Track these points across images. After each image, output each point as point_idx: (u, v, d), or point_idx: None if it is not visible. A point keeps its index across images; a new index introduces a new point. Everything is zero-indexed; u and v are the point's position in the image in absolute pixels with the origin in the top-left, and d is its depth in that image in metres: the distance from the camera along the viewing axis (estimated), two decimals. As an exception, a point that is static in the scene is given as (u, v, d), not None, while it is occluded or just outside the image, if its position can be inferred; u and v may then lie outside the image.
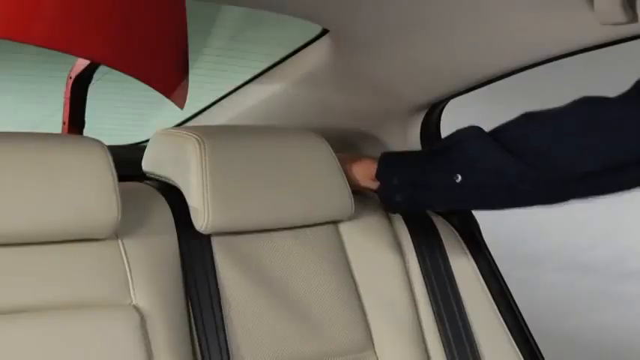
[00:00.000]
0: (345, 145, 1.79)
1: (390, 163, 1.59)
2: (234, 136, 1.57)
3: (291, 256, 1.55)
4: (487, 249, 1.76)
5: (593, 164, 1.40)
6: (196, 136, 1.49)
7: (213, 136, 1.52)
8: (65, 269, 1.34)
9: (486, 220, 1.77)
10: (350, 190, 1.60)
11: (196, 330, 1.44)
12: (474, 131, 1.50)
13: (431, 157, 1.57)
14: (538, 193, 1.46)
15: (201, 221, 1.46)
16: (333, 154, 1.60)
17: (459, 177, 1.49)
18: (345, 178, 1.60)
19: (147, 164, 1.62)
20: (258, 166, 1.53)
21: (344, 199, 1.59)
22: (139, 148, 1.74)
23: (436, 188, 1.55)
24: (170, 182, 1.55)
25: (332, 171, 1.59)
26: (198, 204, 1.46)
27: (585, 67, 2.26)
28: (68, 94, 1.96)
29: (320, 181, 1.57)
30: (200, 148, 1.47)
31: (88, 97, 1.98)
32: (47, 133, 1.41)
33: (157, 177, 1.59)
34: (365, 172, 1.62)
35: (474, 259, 1.71)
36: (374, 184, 1.61)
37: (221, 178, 1.48)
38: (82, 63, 1.92)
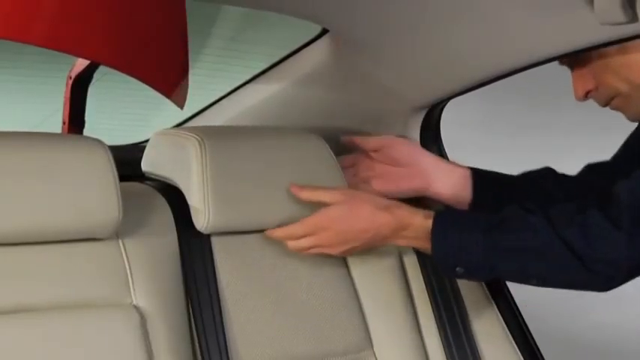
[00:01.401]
0: (345, 146, 1.78)
1: (452, 251, 1.47)
2: (234, 136, 1.57)
3: (291, 256, 1.55)
4: (487, 249, 1.75)
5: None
6: (197, 137, 1.49)
7: (214, 136, 1.52)
8: (65, 269, 1.34)
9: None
10: (347, 186, 1.60)
11: (196, 330, 1.44)
12: (541, 221, 1.43)
13: (499, 253, 1.46)
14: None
15: (202, 221, 1.47)
16: (333, 156, 1.60)
17: (535, 282, 1.47)
18: (344, 179, 1.60)
19: (146, 164, 1.63)
20: (258, 167, 1.53)
21: None
22: (139, 148, 1.74)
23: (509, 278, 1.57)
24: (170, 182, 1.55)
25: (331, 172, 1.59)
26: (199, 204, 1.46)
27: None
28: (68, 94, 1.96)
29: (319, 182, 1.57)
30: (201, 149, 1.47)
31: (88, 97, 1.98)
32: (47, 133, 1.41)
33: (156, 177, 1.59)
34: (415, 241, 1.52)
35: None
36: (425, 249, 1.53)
37: (221, 178, 1.48)
38: (82, 63, 1.92)
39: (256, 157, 1.54)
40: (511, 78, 1.59)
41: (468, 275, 1.51)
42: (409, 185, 1.66)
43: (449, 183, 1.65)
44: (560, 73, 1.58)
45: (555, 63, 1.53)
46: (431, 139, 1.79)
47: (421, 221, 1.48)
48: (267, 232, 1.52)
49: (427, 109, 1.75)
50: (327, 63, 1.72)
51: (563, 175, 1.67)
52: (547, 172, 1.67)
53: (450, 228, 1.47)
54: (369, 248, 1.56)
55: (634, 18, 1.24)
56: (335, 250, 1.52)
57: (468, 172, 1.65)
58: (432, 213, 1.49)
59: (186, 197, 1.49)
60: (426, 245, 1.49)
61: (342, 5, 1.54)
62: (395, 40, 1.58)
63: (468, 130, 4.94)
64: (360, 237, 1.50)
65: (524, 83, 2.19)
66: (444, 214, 1.50)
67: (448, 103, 1.76)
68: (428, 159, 1.67)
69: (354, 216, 1.49)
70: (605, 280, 1.42)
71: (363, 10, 1.53)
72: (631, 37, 1.35)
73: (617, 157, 1.66)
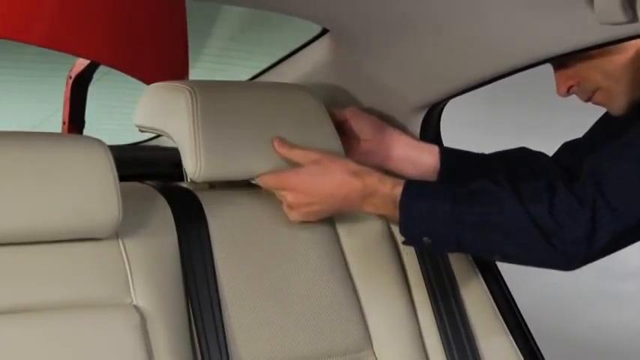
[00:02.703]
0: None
1: (418, 220, 1.46)
2: (225, 88, 1.57)
3: (291, 256, 1.55)
4: (487, 249, 1.75)
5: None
6: (188, 87, 1.49)
7: (206, 87, 1.52)
8: (65, 269, 1.34)
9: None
10: (340, 142, 1.59)
11: (196, 330, 1.44)
12: (504, 194, 1.43)
13: (466, 226, 1.45)
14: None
15: (194, 168, 1.47)
16: (327, 113, 1.60)
17: (498, 257, 1.49)
18: (337, 136, 1.59)
19: (139, 118, 1.62)
20: (250, 117, 1.53)
21: (336, 150, 1.58)
22: (139, 148, 1.74)
23: (474, 251, 1.58)
24: (162, 134, 1.54)
25: (325, 128, 1.59)
26: (191, 151, 1.46)
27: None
28: (68, 94, 1.96)
29: (312, 137, 1.56)
30: (192, 98, 1.48)
31: (88, 97, 1.98)
32: (47, 133, 1.41)
33: (148, 129, 1.59)
34: (383, 209, 1.52)
35: (474, 258, 1.71)
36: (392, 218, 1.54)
37: (213, 126, 1.48)
38: (82, 63, 1.92)
39: (248, 108, 1.54)
40: (511, 78, 1.59)
41: (434, 246, 1.50)
42: (368, 161, 1.65)
43: (413, 160, 1.66)
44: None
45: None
46: (431, 139, 1.79)
47: (390, 189, 1.48)
48: (256, 179, 1.52)
49: (427, 109, 1.75)
50: (327, 63, 1.72)
51: (538, 155, 1.68)
52: (521, 152, 1.68)
53: (418, 198, 1.47)
54: (335, 212, 1.56)
55: (634, 18, 1.24)
56: (299, 212, 1.52)
57: (436, 150, 1.66)
58: (401, 182, 1.48)
59: (179, 146, 1.49)
60: (393, 213, 1.48)
61: (342, 5, 1.54)
62: (395, 39, 1.58)
63: (467, 130, 4.94)
64: (326, 201, 1.51)
65: (524, 83, 2.19)
66: (413, 183, 1.49)
67: (448, 103, 1.76)
68: (391, 135, 1.67)
69: (323, 179, 1.49)
70: (569, 259, 1.42)
71: (363, 10, 1.53)
72: (631, 37, 1.35)
73: (590, 135, 1.67)
